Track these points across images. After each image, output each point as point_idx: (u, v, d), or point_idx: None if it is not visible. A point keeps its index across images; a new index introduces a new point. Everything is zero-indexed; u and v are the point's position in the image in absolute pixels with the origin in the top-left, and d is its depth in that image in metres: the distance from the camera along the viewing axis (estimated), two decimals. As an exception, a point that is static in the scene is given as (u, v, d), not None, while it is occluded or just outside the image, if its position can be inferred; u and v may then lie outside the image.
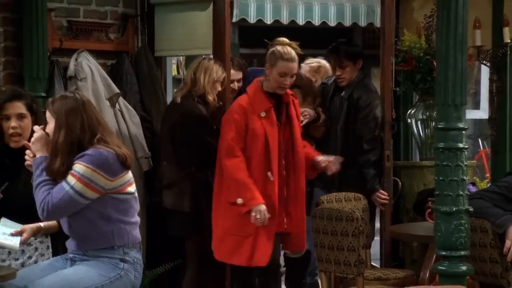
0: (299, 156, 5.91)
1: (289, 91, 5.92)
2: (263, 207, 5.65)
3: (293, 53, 5.80)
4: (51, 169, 4.46)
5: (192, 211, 6.18)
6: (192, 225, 6.20)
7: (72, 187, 4.35)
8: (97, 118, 4.54)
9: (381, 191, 6.60)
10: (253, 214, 5.64)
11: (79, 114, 4.45)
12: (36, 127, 4.58)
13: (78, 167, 4.37)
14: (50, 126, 4.50)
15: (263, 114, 5.76)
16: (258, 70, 6.59)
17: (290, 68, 5.77)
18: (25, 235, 4.67)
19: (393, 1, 6.99)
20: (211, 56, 6.64)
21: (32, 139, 4.54)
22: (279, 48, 5.80)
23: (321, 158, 5.97)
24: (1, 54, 6.40)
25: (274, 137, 5.78)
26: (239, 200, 5.72)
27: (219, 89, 6.35)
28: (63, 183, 4.37)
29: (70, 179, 4.37)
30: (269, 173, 5.76)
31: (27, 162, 4.59)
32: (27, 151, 4.58)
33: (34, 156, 4.52)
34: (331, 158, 5.99)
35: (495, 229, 4.99)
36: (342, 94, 6.74)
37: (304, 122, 6.35)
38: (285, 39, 5.88)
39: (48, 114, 4.53)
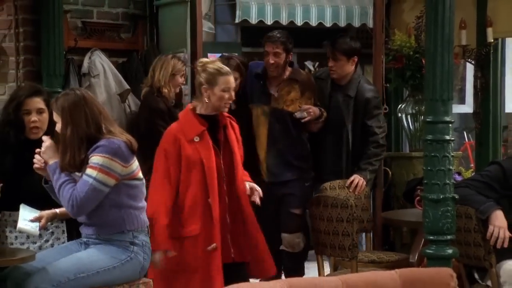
0: (239, 182, 5.18)
1: (226, 114, 5.20)
2: (160, 254, 4.93)
3: (225, 67, 5.17)
4: (62, 164, 4.47)
5: None
6: None
7: (95, 179, 4.35)
8: (98, 109, 4.53)
9: (361, 180, 6.19)
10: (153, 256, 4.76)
11: (82, 109, 4.44)
12: (44, 137, 4.58)
13: (96, 158, 4.37)
14: (59, 125, 4.50)
15: (196, 139, 5.04)
16: (260, 64, 6.39)
17: (231, 81, 5.12)
18: (43, 221, 4.68)
19: (383, 3, 6.99)
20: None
21: (43, 149, 4.53)
22: (211, 66, 5.08)
23: (247, 187, 5.23)
24: (21, 53, 6.42)
25: (211, 161, 5.04)
26: None
27: (180, 81, 6.44)
28: (85, 177, 4.37)
29: (91, 171, 4.36)
30: (209, 200, 5.03)
31: (35, 166, 4.58)
32: (36, 156, 4.57)
33: (46, 163, 4.53)
34: (256, 187, 5.25)
35: (478, 215, 5.00)
36: (348, 93, 6.33)
37: (307, 119, 6.09)
38: (205, 59, 5.27)
39: (54, 114, 4.53)
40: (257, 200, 5.20)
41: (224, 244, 5.09)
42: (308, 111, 6.12)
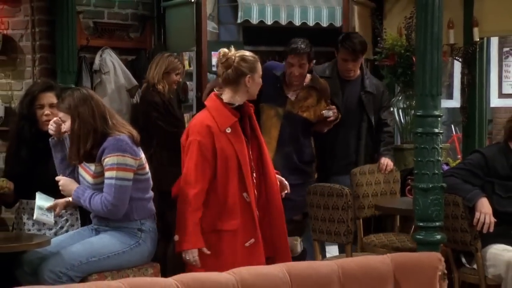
0: (270, 172, 4.72)
1: (248, 103, 4.71)
2: (194, 252, 4.46)
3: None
4: (69, 155, 4.48)
5: (155, 191, 5.71)
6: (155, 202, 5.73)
7: (116, 178, 4.36)
8: (102, 103, 4.56)
9: (390, 161, 6.17)
10: (183, 256, 4.49)
11: (88, 104, 4.46)
12: (57, 178, 4.58)
13: (110, 160, 4.38)
14: (67, 124, 4.50)
15: (228, 130, 4.51)
16: (279, 65, 6.10)
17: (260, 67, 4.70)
18: (57, 209, 4.69)
19: (349, 3, 7.13)
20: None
21: (60, 187, 4.54)
22: (246, 55, 4.61)
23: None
24: (37, 51, 6.43)
25: (244, 154, 4.55)
26: (175, 237, 4.50)
27: (175, 78, 6.40)
28: (107, 181, 4.38)
29: (110, 173, 4.37)
30: (244, 194, 4.55)
31: (50, 128, 4.63)
32: (51, 122, 4.63)
33: (59, 131, 4.58)
34: (285, 182, 4.89)
35: (466, 203, 5.01)
36: (367, 89, 6.20)
37: (331, 118, 5.87)
38: (228, 50, 4.62)
39: (61, 114, 4.53)
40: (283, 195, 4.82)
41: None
42: (334, 111, 5.92)
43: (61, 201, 4.70)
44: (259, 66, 4.62)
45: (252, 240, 4.56)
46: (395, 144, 7.42)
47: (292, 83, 5.95)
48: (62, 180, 4.55)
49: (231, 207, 4.52)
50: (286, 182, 4.86)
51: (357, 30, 7.00)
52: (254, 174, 4.66)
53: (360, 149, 6.30)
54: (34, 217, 4.67)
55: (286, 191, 4.86)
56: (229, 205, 4.52)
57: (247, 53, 4.64)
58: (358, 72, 6.27)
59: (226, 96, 4.59)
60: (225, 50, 4.59)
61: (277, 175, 4.81)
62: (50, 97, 5.02)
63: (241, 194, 4.54)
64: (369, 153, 6.38)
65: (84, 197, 4.45)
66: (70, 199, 4.71)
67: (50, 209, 4.68)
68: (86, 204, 4.45)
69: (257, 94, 4.74)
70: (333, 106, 5.93)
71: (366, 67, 6.68)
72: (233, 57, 4.56)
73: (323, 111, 5.91)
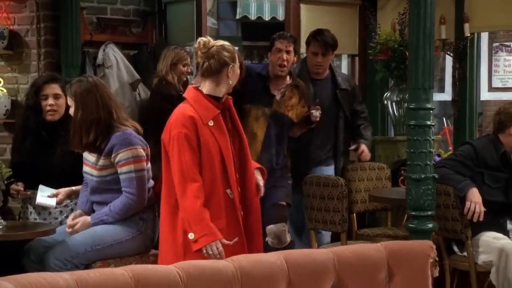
0: (250, 168, 4.25)
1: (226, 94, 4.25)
2: (218, 244, 3.95)
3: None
4: (72, 143, 4.48)
5: None
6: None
7: (134, 171, 4.39)
8: (109, 96, 4.54)
9: (367, 148, 6.01)
10: (204, 252, 3.94)
11: (93, 94, 4.45)
12: (70, 223, 4.54)
13: (123, 155, 4.40)
14: (72, 109, 4.50)
15: (211, 123, 4.07)
16: (258, 66, 5.91)
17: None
18: (60, 196, 4.71)
19: None
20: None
21: (76, 228, 4.50)
22: (226, 44, 4.20)
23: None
24: (42, 46, 6.43)
25: (228, 148, 4.10)
26: (191, 235, 3.95)
27: (183, 69, 6.36)
28: (126, 176, 4.40)
29: (127, 167, 4.40)
30: (228, 191, 4.09)
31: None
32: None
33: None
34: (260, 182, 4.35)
35: (457, 193, 5.03)
36: (342, 86, 5.97)
37: (317, 119, 5.51)
38: (206, 39, 4.18)
39: (68, 99, 4.54)
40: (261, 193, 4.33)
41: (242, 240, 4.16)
42: (320, 111, 5.54)
43: (63, 189, 4.72)
44: (238, 56, 4.24)
45: (236, 239, 4.08)
46: (389, 135, 7.44)
47: (277, 73, 5.49)
48: (78, 225, 4.52)
49: (216, 205, 4.05)
50: (262, 184, 4.31)
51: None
52: (237, 170, 4.19)
53: (338, 145, 6.09)
54: (36, 201, 4.70)
55: (260, 195, 4.32)
56: (214, 203, 4.04)
57: (226, 43, 4.23)
58: (327, 71, 6.03)
59: (207, 88, 4.14)
60: (205, 39, 4.16)
61: (257, 176, 4.30)
62: (54, 88, 5.02)
63: (225, 190, 4.09)
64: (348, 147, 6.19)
65: (102, 214, 4.46)
66: (74, 188, 4.73)
67: (53, 196, 4.70)
68: (110, 216, 4.43)
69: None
70: (318, 106, 5.54)
71: (335, 66, 6.40)
72: (214, 47, 4.13)
73: (312, 111, 5.52)
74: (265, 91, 5.54)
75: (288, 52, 5.46)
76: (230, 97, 4.23)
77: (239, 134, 4.24)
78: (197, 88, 4.17)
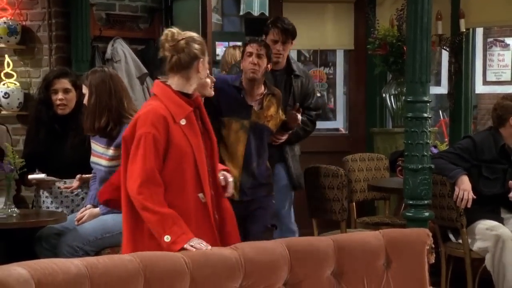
0: (218, 169, 3.78)
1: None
2: (197, 240, 3.38)
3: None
4: (84, 126, 4.51)
5: None
6: None
7: None
8: (122, 86, 4.58)
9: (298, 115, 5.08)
10: (188, 249, 3.34)
11: (107, 83, 4.48)
12: (79, 216, 4.55)
13: None
14: (87, 97, 4.53)
15: (183, 122, 3.58)
16: (231, 76, 5.12)
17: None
18: (75, 182, 4.82)
19: None
20: None
21: (84, 219, 4.52)
22: (194, 35, 3.81)
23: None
24: (53, 41, 6.44)
25: (201, 149, 3.62)
26: (167, 238, 3.40)
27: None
28: None
29: None
30: (200, 195, 3.60)
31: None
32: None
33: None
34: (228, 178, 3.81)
35: (449, 180, 5.05)
36: (296, 72, 5.36)
37: (299, 122, 5.06)
38: (176, 30, 3.82)
39: (84, 87, 4.57)
40: (231, 192, 3.83)
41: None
42: (296, 121, 5.06)
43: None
44: (206, 48, 3.75)
45: (209, 247, 3.38)
46: (387, 127, 7.45)
47: (249, 76, 4.87)
48: (85, 217, 4.53)
49: (185, 212, 3.53)
50: (230, 180, 3.80)
51: None
52: (210, 173, 3.70)
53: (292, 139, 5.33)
54: (30, 176, 4.82)
55: (226, 194, 3.81)
56: (183, 209, 3.54)
57: (194, 34, 3.79)
58: (285, 62, 5.36)
59: (177, 83, 3.64)
60: (173, 30, 3.75)
61: (224, 173, 3.81)
62: (64, 83, 5.02)
63: (196, 195, 3.60)
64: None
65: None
66: (83, 175, 4.76)
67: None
68: None
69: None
70: (300, 109, 5.10)
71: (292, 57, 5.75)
72: (183, 39, 3.71)
73: (298, 116, 5.03)
74: (243, 101, 4.92)
75: (259, 56, 4.86)
76: (198, 94, 3.74)
77: (209, 134, 3.75)
78: (165, 83, 3.68)
